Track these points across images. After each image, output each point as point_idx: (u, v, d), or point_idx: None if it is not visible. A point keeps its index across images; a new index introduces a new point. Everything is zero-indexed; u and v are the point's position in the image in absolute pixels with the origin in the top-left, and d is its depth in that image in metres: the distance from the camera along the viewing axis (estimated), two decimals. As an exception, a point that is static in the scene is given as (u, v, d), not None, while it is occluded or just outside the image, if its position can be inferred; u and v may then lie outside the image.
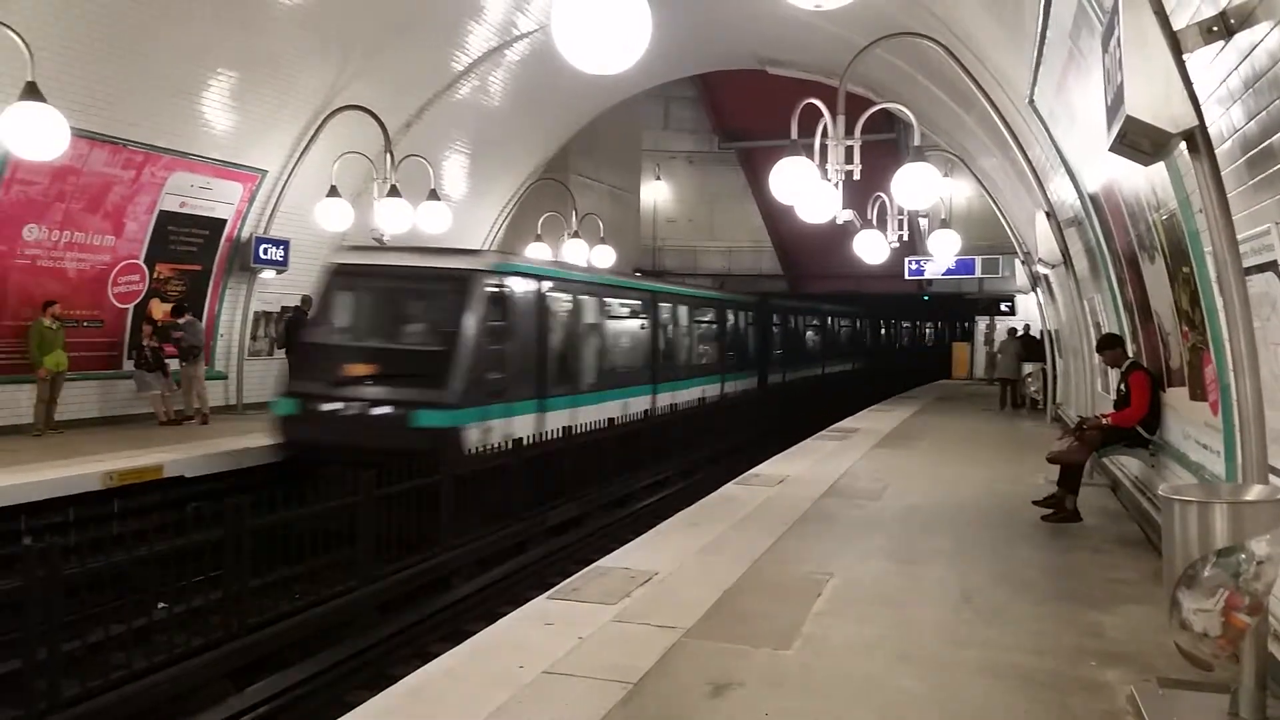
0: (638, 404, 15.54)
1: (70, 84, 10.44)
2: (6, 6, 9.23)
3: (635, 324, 16.84)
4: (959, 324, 45.80)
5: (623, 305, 16.39)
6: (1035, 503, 8.40)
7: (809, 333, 29.78)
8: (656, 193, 35.31)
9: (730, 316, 22.12)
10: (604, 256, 19.37)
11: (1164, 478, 7.08)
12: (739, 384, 21.70)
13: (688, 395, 18.09)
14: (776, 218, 32.26)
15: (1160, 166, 4.78)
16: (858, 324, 35.36)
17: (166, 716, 6.07)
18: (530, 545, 10.69)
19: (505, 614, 5.71)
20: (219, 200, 14.10)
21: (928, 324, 51.67)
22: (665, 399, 17.00)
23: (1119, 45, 3.56)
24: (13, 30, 8.23)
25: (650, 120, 33.22)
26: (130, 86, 11.64)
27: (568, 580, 6.24)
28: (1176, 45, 3.49)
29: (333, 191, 12.95)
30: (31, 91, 7.95)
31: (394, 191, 12.10)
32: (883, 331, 40.60)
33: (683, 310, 19.18)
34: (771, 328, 25.38)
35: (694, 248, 36.03)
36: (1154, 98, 3.47)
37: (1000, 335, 30.51)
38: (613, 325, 15.79)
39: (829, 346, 31.04)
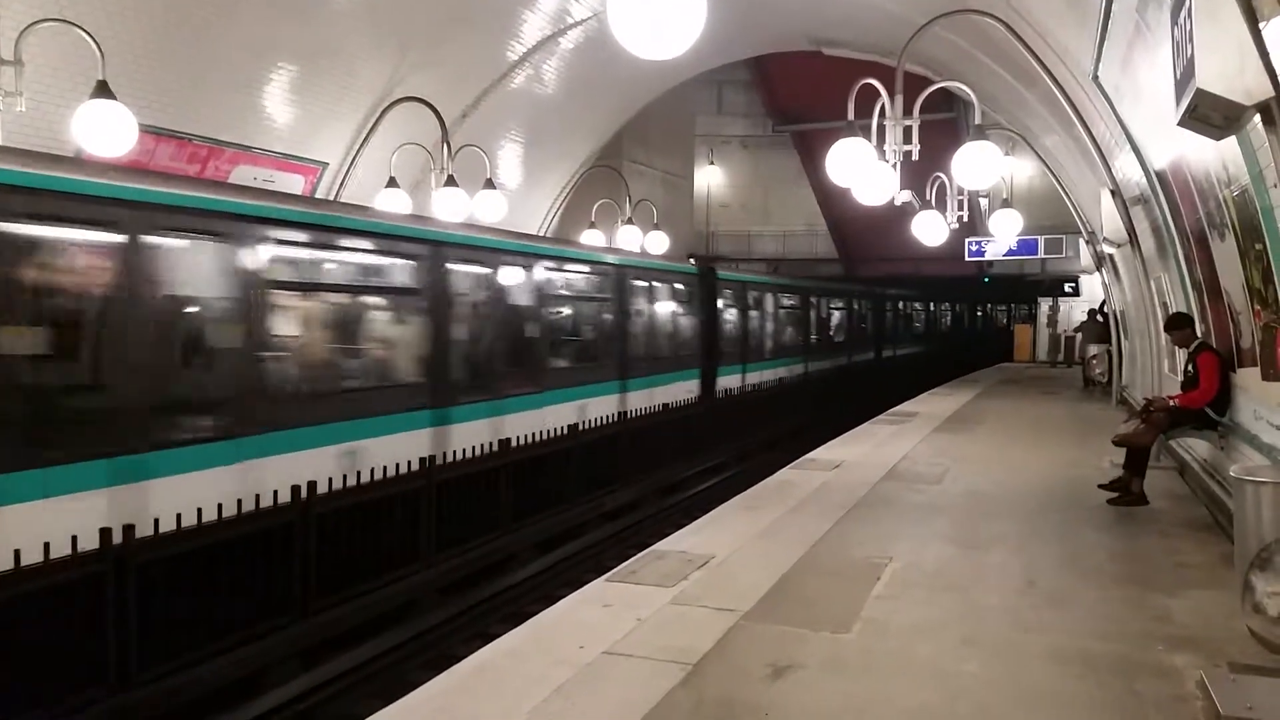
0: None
1: (136, 80, 10.71)
2: (77, 6, 9.50)
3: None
4: (1009, 306, 46.17)
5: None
6: (1101, 486, 8.25)
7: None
8: (710, 177, 35.19)
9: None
10: (657, 243, 19.36)
11: (1234, 460, 6.90)
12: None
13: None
14: (832, 200, 31.97)
15: (1231, 141, 4.64)
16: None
17: (239, 694, 6.25)
18: (588, 529, 10.79)
19: (564, 596, 5.78)
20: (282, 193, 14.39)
21: (985, 306, 51.28)
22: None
23: (1190, 16, 3.47)
24: (84, 30, 8.46)
25: (703, 105, 33.06)
26: (193, 81, 11.90)
27: (625, 563, 6.29)
28: (1252, 14, 3.38)
29: (391, 182, 13.10)
30: (102, 90, 8.17)
31: (451, 181, 12.20)
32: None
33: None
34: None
35: (748, 232, 35.89)
36: (1227, 69, 3.38)
37: (1062, 316, 29.98)
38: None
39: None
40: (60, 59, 9.59)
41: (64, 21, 8.75)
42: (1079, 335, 22.67)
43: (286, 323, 8.23)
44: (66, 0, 9.49)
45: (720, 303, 17.90)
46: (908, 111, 7.76)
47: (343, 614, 7.10)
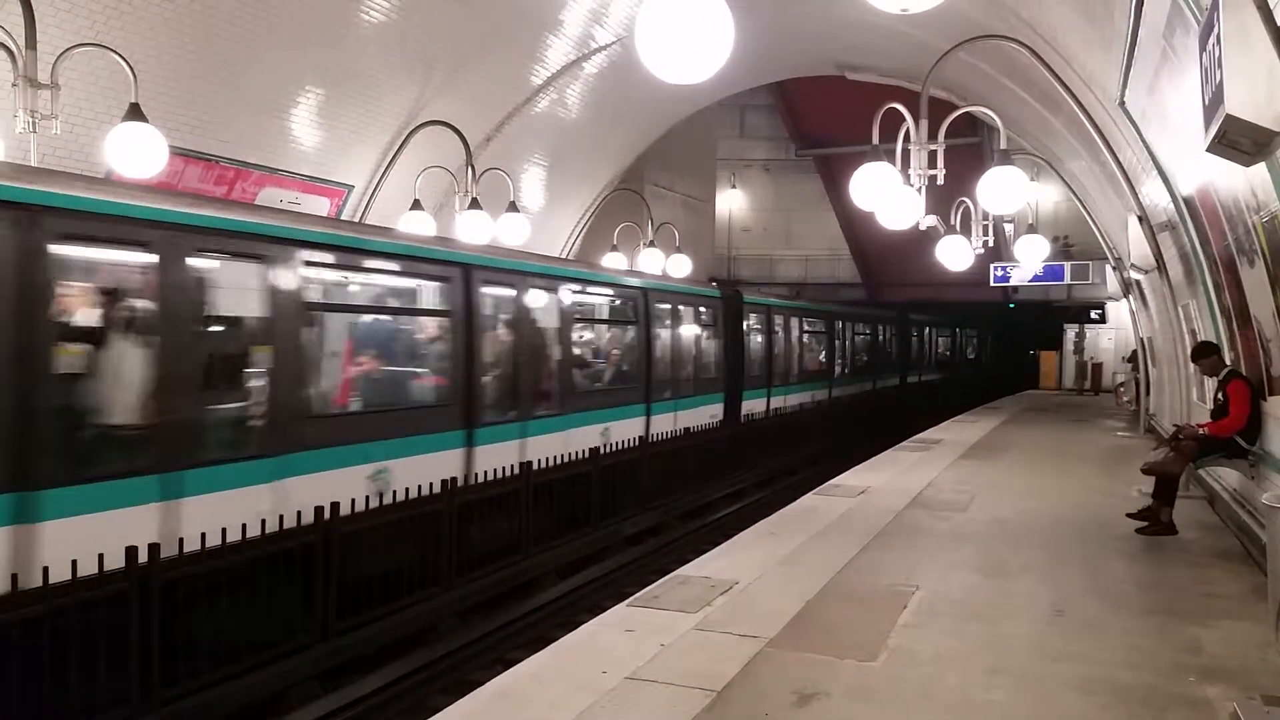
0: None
1: (167, 103, 10.87)
2: (111, 31, 9.67)
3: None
4: (1018, 335, 47.52)
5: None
6: (1129, 515, 8.14)
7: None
8: (732, 201, 35.22)
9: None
10: (679, 266, 19.37)
11: (1265, 489, 6.80)
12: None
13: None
14: (855, 225, 31.93)
15: (1261, 167, 4.61)
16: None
17: (259, 716, 6.25)
18: (608, 554, 10.75)
19: (586, 622, 5.75)
20: (308, 214, 14.51)
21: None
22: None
23: (1218, 43, 3.46)
24: (119, 54, 8.61)
25: (725, 129, 33.14)
26: (222, 104, 12.06)
27: (648, 588, 6.25)
28: (1281, 41, 3.37)
29: (416, 205, 13.21)
30: (135, 112, 8.30)
31: (475, 204, 12.31)
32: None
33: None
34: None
35: (770, 256, 35.85)
36: (1256, 95, 3.36)
37: (1089, 343, 29.73)
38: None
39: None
40: (94, 82, 9.76)
41: (99, 46, 8.90)
42: (1130, 364, 22.54)
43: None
44: (102, 25, 9.67)
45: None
46: (932, 136, 7.75)
47: (363, 637, 7.10)
